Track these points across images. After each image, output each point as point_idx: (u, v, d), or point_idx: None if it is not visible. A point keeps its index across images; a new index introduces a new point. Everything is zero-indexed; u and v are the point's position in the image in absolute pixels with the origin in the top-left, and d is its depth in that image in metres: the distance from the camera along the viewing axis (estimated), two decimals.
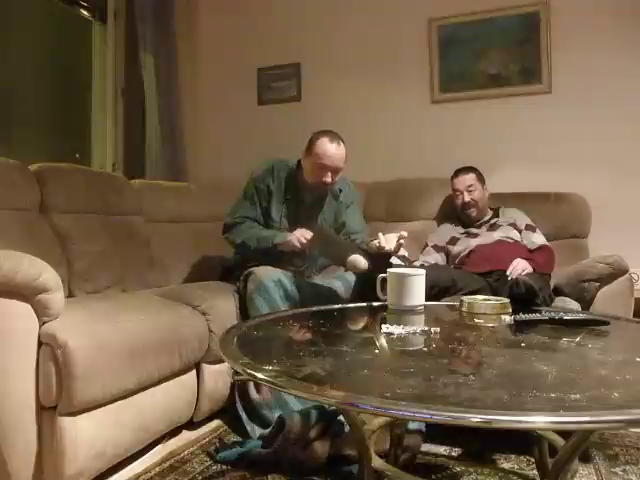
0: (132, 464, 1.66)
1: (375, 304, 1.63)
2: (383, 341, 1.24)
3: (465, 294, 1.83)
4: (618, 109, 2.71)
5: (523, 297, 1.64)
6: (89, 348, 1.44)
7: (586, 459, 1.64)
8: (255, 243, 2.12)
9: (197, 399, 1.90)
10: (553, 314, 1.40)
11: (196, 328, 1.86)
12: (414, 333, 1.27)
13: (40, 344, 1.41)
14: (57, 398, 1.39)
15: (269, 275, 1.99)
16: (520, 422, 0.75)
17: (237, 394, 1.94)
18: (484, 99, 2.96)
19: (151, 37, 3.23)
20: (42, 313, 1.41)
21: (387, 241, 1.83)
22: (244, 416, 1.87)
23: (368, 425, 1.35)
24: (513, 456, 1.67)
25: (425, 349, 1.18)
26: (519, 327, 1.35)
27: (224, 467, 1.63)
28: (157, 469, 1.62)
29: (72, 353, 1.38)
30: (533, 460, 1.57)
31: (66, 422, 1.40)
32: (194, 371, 1.90)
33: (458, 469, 1.60)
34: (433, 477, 1.56)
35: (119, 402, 1.55)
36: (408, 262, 1.94)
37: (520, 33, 2.89)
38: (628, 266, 1.94)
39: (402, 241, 1.82)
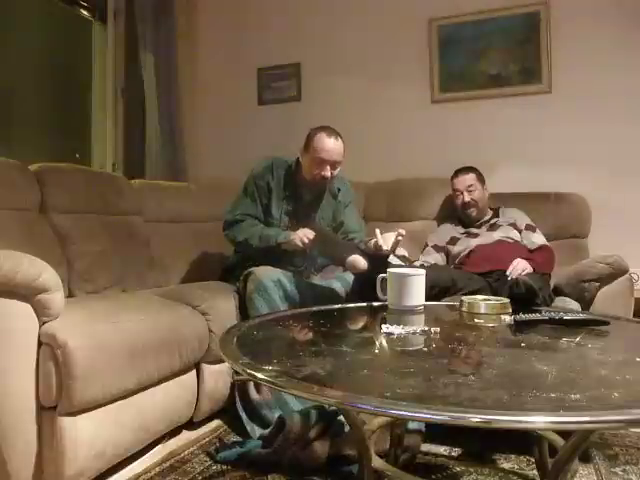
0: (132, 464, 1.66)
1: (375, 304, 1.63)
2: (383, 341, 1.24)
3: (465, 294, 1.83)
4: (618, 109, 2.71)
5: (523, 297, 1.64)
6: (89, 348, 1.44)
7: (586, 459, 1.64)
8: (257, 241, 2.12)
9: (197, 399, 1.90)
10: (553, 314, 1.40)
11: (196, 328, 1.86)
12: (414, 333, 1.27)
13: (40, 344, 1.41)
14: (57, 398, 1.39)
15: (268, 275, 1.99)
16: (520, 422, 0.75)
17: (237, 394, 1.94)
18: (484, 99, 2.96)
19: (151, 37, 3.23)
20: (42, 313, 1.40)
21: (385, 240, 1.83)
22: (244, 416, 1.87)
23: (368, 425, 1.35)
24: (513, 456, 1.67)
25: (425, 349, 1.18)
26: (519, 327, 1.35)
27: (224, 467, 1.63)
28: (157, 469, 1.62)
29: (72, 353, 1.38)
30: (533, 460, 1.57)
31: (66, 422, 1.40)
32: (194, 371, 1.90)
33: (458, 469, 1.60)
34: (433, 477, 1.56)
35: (119, 402, 1.55)
36: (408, 262, 1.94)
37: (520, 33, 2.89)
38: (628, 266, 1.94)
39: (400, 238, 1.82)
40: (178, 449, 1.76)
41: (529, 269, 1.98)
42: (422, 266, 2.19)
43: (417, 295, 1.54)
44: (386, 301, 1.57)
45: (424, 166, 2.95)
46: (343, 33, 3.26)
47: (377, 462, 1.25)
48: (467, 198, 2.46)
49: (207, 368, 1.93)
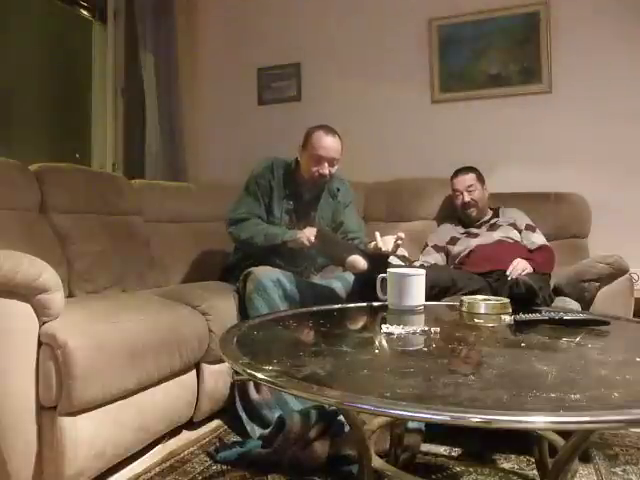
0: (132, 464, 1.66)
1: (375, 304, 1.63)
2: (383, 341, 1.24)
3: (465, 294, 1.83)
4: (618, 109, 2.71)
5: (523, 297, 1.64)
6: (89, 348, 1.44)
7: (586, 459, 1.64)
8: (262, 239, 2.12)
9: (197, 399, 1.90)
10: (553, 314, 1.40)
11: (196, 328, 1.86)
12: (414, 333, 1.27)
13: (40, 344, 1.41)
14: (57, 398, 1.39)
15: (268, 275, 1.99)
16: (520, 422, 0.75)
17: (237, 394, 1.94)
18: (484, 99, 2.96)
19: (151, 37, 3.23)
20: (42, 313, 1.40)
21: (384, 243, 1.84)
22: (244, 416, 1.87)
23: (368, 425, 1.35)
24: (513, 456, 1.67)
25: (425, 349, 1.18)
26: (519, 327, 1.35)
27: (224, 467, 1.63)
28: (157, 469, 1.62)
29: (72, 353, 1.38)
30: (533, 460, 1.57)
31: (66, 422, 1.40)
32: (194, 371, 1.90)
33: (458, 469, 1.60)
34: (433, 477, 1.55)
35: (119, 402, 1.55)
36: (408, 262, 1.94)
37: (520, 33, 2.89)
38: (628, 266, 1.94)
39: (400, 242, 1.83)
40: (178, 449, 1.76)
41: (529, 269, 1.98)
42: (422, 266, 2.19)
43: (417, 295, 1.54)
44: (386, 301, 1.58)
45: (424, 166, 2.95)
46: (343, 33, 3.26)
47: (377, 462, 1.25)
48: (467, 198, 2.46)
49: (207, 368, 1.93)
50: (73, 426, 1.41)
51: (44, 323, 1.42)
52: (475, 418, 0.74)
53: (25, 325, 1.39)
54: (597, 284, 1.92)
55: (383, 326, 1.29)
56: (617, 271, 1.91)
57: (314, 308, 1.64)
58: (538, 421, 0.76)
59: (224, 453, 1.67)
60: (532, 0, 2.85)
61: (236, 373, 1.92)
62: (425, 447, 1.69)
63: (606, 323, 1.38)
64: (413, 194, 2.86)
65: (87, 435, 1.45)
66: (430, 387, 0.90)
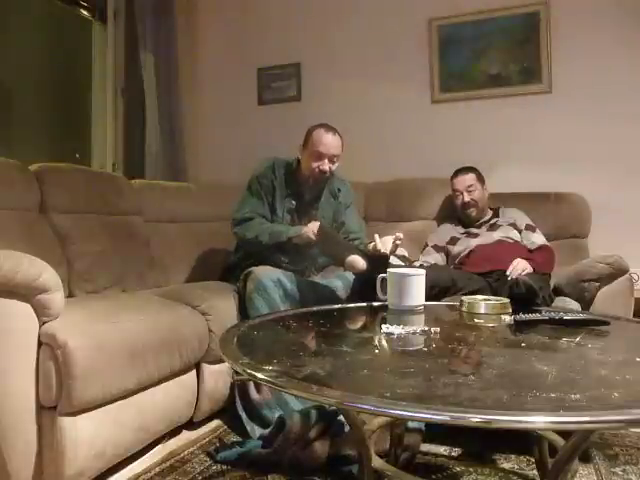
0: (132, 464, 1.66)
1: (375, 304, 1.63)
2: (383, 341, 1.24)
3: (465, 294, 1.83)
4: (618, 109, 2.71)
5: (523, 297, 1.64)
6: (89, 348, 1.44)
7: (586, 459, 1.64)
8: (267, 238, 2.12)
9: (197, 399, 1.90)
10: (553, 314, 1.40)
11: (196, 328, 1.86)
12: (414, 333, 1.27)
13: (40, 344, 1.41)
14: (57, 398, 1.39)
15: (268, 275, 2.00)
16: (520, 422, 0.75)
17: (237, 394, 1.94)
18: (484, 99, 2.96)
19: (151, 37, 3.22)
20: (42, 313, 1.40)
21: (383, 244, 1.85)
22: (244, 416, 1.87)
23: (368, 425, 1.35)
24: (513, 456, 1.67)
25: (425, 349, 1.18)
26: (519, 327, 1.35)
27: (224, 467, 1.63)
28: (157, 469, 1.62)
29: (72, 353, 1.38)
30: (533, 460, 1.57)
31: (66, 422, 1.40)
32: (194, 371, 1.90)
33: (458, 469, 1.60)
34: (433, 477, 1.56)
35: (119, 402, 1.55)
36: (408, 262, 1.94)
37: (520, 33, 2.89)
38: (628, 266, 1.94)
39: (398, 242, 1.84)
40: (178, 449, 1.76)
41: (529, 269, 1.98)
42: (422, 266, 2.19)
43: (417, 295, 1.54)
44: (386, 301, 1.58)
45: (424, 166, 2.95)
46: (343, 33, 3.26)
47: (377, 462, 1.25)
48: (467, 198, 2.46)
49: (207, 368, 1.93)
50: (73, 426, 1.41)
51: (44, 323, 1.42)
52: (475, 418, 0.74)
53: (25, 325, 1.39)
54: (597, 284, 1.92)
55: (383, 326, 1.29)
56: (617, 271, 1.91)
57: (314, 308, 1.64)
58: (538, 421, 0.76)
59: (224, 453, 1.67)
60: (532, 0, 2.85)
61: (236, 373, 1.92)
62: (425, 447, 1.69)
63: (606, 323, 1.38)
64: (413, 194, 2.86)
65: (87, 435, 1.45)
66: (430, 387, 0.90)
